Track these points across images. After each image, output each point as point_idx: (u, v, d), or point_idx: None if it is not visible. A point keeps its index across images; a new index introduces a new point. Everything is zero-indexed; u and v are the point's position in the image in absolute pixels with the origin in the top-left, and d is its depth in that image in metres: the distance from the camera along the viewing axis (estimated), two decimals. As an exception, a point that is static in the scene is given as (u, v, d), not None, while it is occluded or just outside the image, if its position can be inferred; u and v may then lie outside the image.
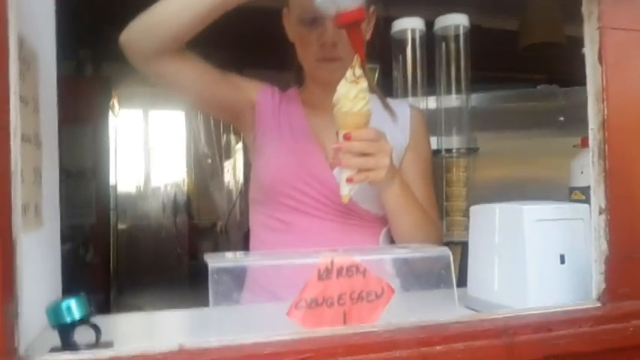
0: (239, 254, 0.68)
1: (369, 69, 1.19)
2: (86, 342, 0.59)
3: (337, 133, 0.90)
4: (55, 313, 0.58)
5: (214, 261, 0.62)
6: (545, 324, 0.61)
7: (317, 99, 1.11)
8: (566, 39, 2.99)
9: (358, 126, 0.89)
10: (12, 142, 0.50)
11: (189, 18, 0.89)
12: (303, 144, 1.08)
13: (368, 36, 1.11)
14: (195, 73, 1.02)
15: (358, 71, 0.88)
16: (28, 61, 0.69)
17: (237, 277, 0.65)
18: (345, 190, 0.91)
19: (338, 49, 1.02)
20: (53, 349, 0.61)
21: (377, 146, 0.90)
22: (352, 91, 0.87)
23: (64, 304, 0.58)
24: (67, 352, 0.56)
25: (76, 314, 0.59)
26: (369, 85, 1.18)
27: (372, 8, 1.10)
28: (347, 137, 0.88)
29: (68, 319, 0.58)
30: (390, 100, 1.19)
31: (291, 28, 1.09)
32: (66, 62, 3.88)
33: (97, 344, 0.60)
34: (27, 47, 0.69)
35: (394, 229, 1.05)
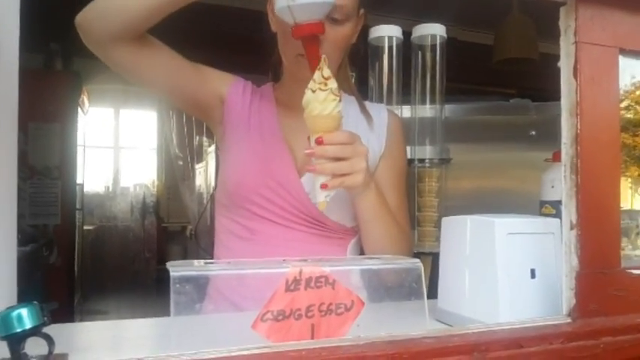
0: (204, 262, 0.66)
1: (349, 74, 1.18)
2: (38, 354, 0.56)
3: (309, 139, 0.87)
4: (3, 323, 0.54)
5: (177, 269, 0.59)
6: (516, 340, 0.61)
7: (292, 97, 1.05)
8: (539, 55, 3.04)
9: (330, 129, 0.86)
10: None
11: (143, 6, 0.86)
12: (271, 147, 1.04)
13: (354, 39, 1.07)
14: (157, 62, 0.97)
15: (327, 72, 0.85)
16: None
17: (201, 286, 0.62)
18: (321, 197, 0.88)
19: (323, 46, 0.96)
20: (0, 362, 0.57)
21: (351, 149, 0.87)
22: (321, 94, 0.84)
23: (14, 313, 0.55)
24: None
25: (27, 324, 0.55)
26: (349, 87, 1.16)
27: (361, 11, 1.06)
28: (319, 141, 0.85)
29: (18, 330, 0.55)
30: (367, 104, 1.16)
31: (274, 17, 1.03)
32: (34, 55, 3.77)
33: (49, 357, 0.57)
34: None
35: (365, 237, 1.02)
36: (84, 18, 0.90)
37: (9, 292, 0.79)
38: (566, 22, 0.73)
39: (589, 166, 0.70)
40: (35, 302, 0.58)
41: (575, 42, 0.71)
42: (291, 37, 0.94)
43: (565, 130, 0.72)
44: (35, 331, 0.56)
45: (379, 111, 1.15)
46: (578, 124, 0.70)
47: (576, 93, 0.71)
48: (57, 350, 0.58)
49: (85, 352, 0.66)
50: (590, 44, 0.72)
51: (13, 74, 0.79)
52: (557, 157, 1.08)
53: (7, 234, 0.77)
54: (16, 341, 0.55)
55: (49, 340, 0.57)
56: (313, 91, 0.84)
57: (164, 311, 0.83)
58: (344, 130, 0.88)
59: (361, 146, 0.89)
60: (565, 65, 0.73)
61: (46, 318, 0.57)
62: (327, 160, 0.86)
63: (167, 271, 0.74)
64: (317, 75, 0.85)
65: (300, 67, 0.98)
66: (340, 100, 0.85)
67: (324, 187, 0.86)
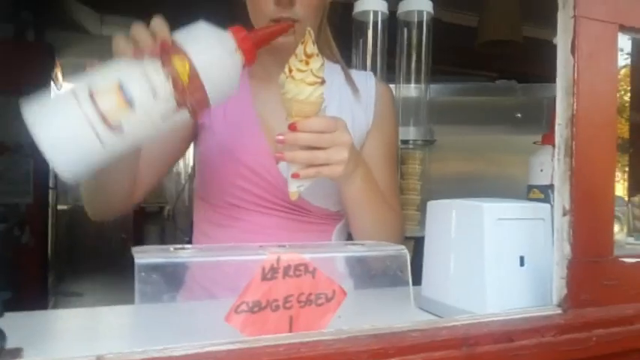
0: (173, 248, 0.60)
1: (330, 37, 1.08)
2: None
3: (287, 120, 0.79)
4: (-52, 315, 0.49)
5: (143, 256, 0.54)
6: (506, 333, 0.57)
7: (267, 70, 0.97)
8: (523, 38, 3.02)
9: (306, 115, 0.76)
10: None
11: (119, 185, 0.87)
12: (244, 130, 0.96)
13: None
14: (159, 160, 0.98)
15: (311, 48, 0.74)
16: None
17: (171, 275, 0.57)
18: (293, 187, 0.79)
19: (295, 9, 0.89)
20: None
21: (330, 138, 0.78)
22: (298, 74, 0.74)
23: (-40, 305, 0.49)
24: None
25: (-24, 316, 0.50)
26: (332, 53, 1.06)
27: None
28: (292, 128, 0.76)
29: (-36, 323, 0.49)
30: (353, 72, 1.06)
31: None
32: (3, 25, 3.61)
33: (1, 352, 0.51)
34: None
35: (353, 224, 0.95)
36: (89, 214, 0.93)
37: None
38: (564, -4, 0.68)
39: (584, 148, 0.67)
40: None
41: (574, 16, 0.67)
42: (260, 2, 0.88)
43: (560, 110, 0.68)
44: (-17, 324, 0.51)
45: (366, 79, 1.06)
46: (575, 104, 0.66)
47: (574, 70, 0.67)
48: (12, 343, 0.53)
49: (44, 344, 0.61)
50: (589, 19, 0.67)
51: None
52: (546, 140, 1.04)
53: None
54: (-39, 335, 0.50)
55: (1, 334, 0.52)
56: (290, 70, 0.74)
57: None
58: (323, 116, 0.79)
59: (344, 135, 0.79)
60: (562, 41, 0.68)
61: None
62: (299, 149, 0.77)
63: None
64: (299, 51, 0.74)
65: None
66: (322, 83, 0.75)
67: (295, 176, 0.78)
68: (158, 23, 0.64)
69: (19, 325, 0.53)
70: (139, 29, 0.64)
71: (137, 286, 0.52)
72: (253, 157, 0.94)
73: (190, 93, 0.63)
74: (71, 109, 0.60)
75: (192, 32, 0.66)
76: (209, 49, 0.64)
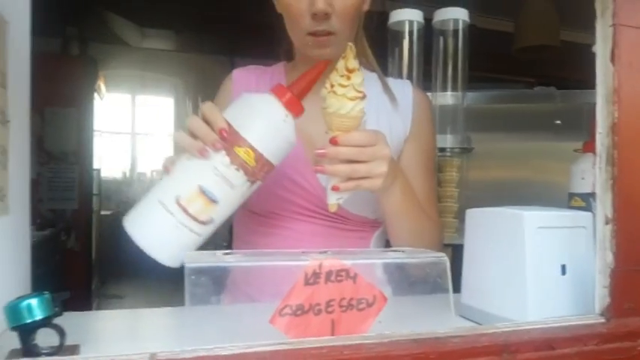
0: (221, 253, 0.63)
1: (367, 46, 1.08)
2: (50, 344, 0.54)
3: (327, 134, 0.80)
4: (13, 314, 0.53)
5: (192, 260, 0.57)
6: (547, 341, 0.57)
7: None
8: (561, 42, 2.96)
9: (348, 129, 0.76)
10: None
11: None
12: None
13: (366, 6, 0.98)
14: None
15: (352, 63, 0.74)
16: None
17: (217, 278, 0.60)
18: (332, 199, 0.80)
19: (332, 21, 0.89)
20: (12, 354, 0.55)
21: (370, 152, 0.78)
22: (340, 90, 0.74)
23: (23, 304, 0.53)
24: (25, 359, 0.50)
25: (38, 315, 0.53)
26: (368, 61, 1.05)
27: None
28: (333, 142, 0.76)
29: (28, 320, 0.53)
30: (390, 81, 1.07)
31: None
32: (51, 40, 3.77)
33: (60, 348, 0.55)
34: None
35: (392, 234, 0.96)
36: None
37: (22, 282, 0.78)
38: (603, 3, 0.68)
39: (627, 157, 0.66)
40: (46, 292, 0.56)
41: (613, 24, 0.66)
42: (297, 16, 0.89)
43: (601, 118, 0.68)
44: (46, 322, 0.54)
45: (403, 87, 1.06)
46: (616, 112, 0.66)
47: (613, 79, 0.66)
48: (69, 341, 0.56)
49: (98, 343, 0.65)
50: (629, 27, 0.67)
51: (24, 57, 0.77)
52: (587, 148, 1.03)
53: (20, 222, 0.76)
54: (26, 332, 0.53)
55: (60, 331, 0.55)
56: (332, 85, 0.75)
57: (179, 297, 0.81)
58: (365, 130, 0.80)
59: (384, 148, 0.80)
60: (601, 49, 0.68)
61: (57, 308, 0.56)
62: (340, 162, 0.77)
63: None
64: (340, 65, 0.74)
65: (311, 47, 0.93)
66: (363, 98, 0.76)
67: (335, 189, 0.78)
68: (210, 111, 0.70)
69: (72, 324, 0.56)
70: (196, 124, 0.70)
71: (187, 288, 0.54)
72: (292, 167, 0.95)
73: (259, 170, 0.70)
74: (166, 220, 0.69)
75: (242, 111, 0.71)
76: (264, 128, 0.71)
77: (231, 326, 0.64)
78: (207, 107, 0.71)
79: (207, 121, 0.70)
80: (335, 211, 0.82)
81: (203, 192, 0.68)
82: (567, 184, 1.08)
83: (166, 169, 0.71)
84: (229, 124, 0.69)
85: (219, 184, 0.68)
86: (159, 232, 0.69)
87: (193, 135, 0.70)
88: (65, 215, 3.88)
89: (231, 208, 0.72)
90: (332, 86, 0.74)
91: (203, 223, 0.69)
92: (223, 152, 0.68)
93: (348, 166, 0.78)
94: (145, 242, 0.69)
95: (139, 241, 0.69)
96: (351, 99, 0.74)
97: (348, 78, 0.74)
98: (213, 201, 0.68)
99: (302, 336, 0.55)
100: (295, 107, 0.73)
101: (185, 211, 0.67)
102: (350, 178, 0.79)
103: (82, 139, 3.87)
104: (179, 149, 0.72)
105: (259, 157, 0.69)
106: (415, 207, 0.94)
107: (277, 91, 0.72)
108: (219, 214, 0.70)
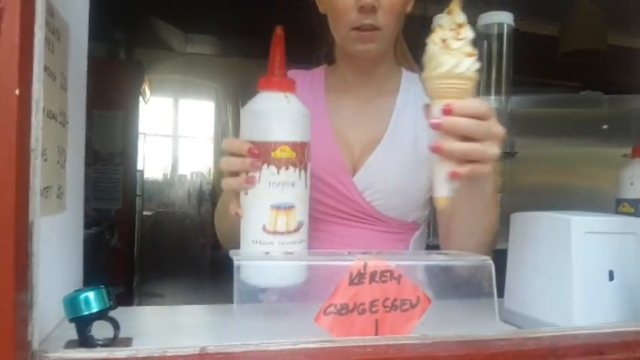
0: (266, 252, 0.65)
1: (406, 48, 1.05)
2: (105, 336, 0.57)
3: (426, 107, 0.65)
4: (72, 305, 0.55)
5: (240, 258, 0.59)
6: (596, 346, 0.56)
7: (345, 79, 0.98)
8: (608, 47, 2.88)
9: (460, 95, 0.62)
10: (33, 116, 0.46)
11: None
12: (319, 143, 0.92)
13: (409, 8, 0.96)
14: None
15: (460, 16, 0.62)
16: (58, 32, 0.66)
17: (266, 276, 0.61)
18: (444, 192, 0.65)
19: (377, 16, 0.87)
20: (69, 344, 0.58)
21: (486, 127, 0.63)
22: (455, 43, 0.61)
23: (81, 296, 0.55)
24: (81, 349, 0.53)
25: (94, 307, 0.56)
26: (409, 64, 0.99)
27: None
28: (447, 110, 0.61)
29: (86, 312, 0.55)
30: None
31: None
32: (99, 45, 3.90)
33: (114, 340, 0.57)
34: (58, 16, 0.66)
35: (459, 229, 0.88)
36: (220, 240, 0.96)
37: (75, 276, 0.81)
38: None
39: (681, 161, 0.65)
40: (102, 286, 0.58)
41: (669, 26, 0.65)
42: (343, 11, 0.89)
43: (653, 122, 0.67)
44: (101, 315, 0.56)
45: None
46: (669, 116, 0.65)
47: (667, 82, 0.65)
48: (121, 334, 0.58)
49: (148, 337, 0.67)
50: (685, 29, 0.65)
51: (82, 61, 0.80)
52: (636, 153, 1.01)
53: (75, 219, 0.79)
54: (83, 324, 0.56)
55: (115, 323, 0.58)
56: (443, 40, 0.61)
57: (219, 296, 0.83)
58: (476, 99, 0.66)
59: (498, 125, 0.65)
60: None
61: (112, 302, 0.58)
62: (455, 138, 0.63)
63: (222, 257, 0.74)
64: (446, 20, 0.62)
65: (355, 42, 0.91)
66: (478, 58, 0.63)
67: (453, 175, 0.63)
68: (230, 143, 0.73)
69: (122, 318, 0.58)
70: (228, 161, 0.72)
71: (236, 285, 0.56)
72: (328, 170, 0.95)
73: (301, 155, 0.72)
74: (271, 250, 0.70)
75: (252, 123, 0.73)
76: (277, 120, 0.71)
77: (277, 324, 0.65)
78: (225, 142, 0.74)
79: (234, 154, 0.72)
80: (445, 207, 0.67)
81: (277, 207, 0.70)
82: (613, 190, 1.05)
83: (238, 214, 0.73)
84: (252, 141, 0.71)
85: (283, 191, 0.70)
86: (272, 265, 0.70)
87: (233, 173, 0.72)
88: (110, 215, 4.00)
89: (306, 200, 0.74)
90: (444, 41, 0.62)
91: (297, 230, 0.71)
92: (265, 165, 0.70)
93: (467, 145, 0.63)
94: (270, 282, 0.69)
95: (267, 285, 0.69)
96: (469, 54, 0.62)
97: (459, 33, 0.62)
98: (290, 207, 0.70)
99: (346, 335, 0.56)
100: (287, 84, 0.73)
101: (276, 232, 0.69)
102: (463, 161, 0.64)
103: (127, 141, 3.99)
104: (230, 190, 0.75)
105: (294, 146, 0.70)
106: (495, 206, 0.85)
107: (263, 85, 0.73)
108: (302, 212, 0.72)
